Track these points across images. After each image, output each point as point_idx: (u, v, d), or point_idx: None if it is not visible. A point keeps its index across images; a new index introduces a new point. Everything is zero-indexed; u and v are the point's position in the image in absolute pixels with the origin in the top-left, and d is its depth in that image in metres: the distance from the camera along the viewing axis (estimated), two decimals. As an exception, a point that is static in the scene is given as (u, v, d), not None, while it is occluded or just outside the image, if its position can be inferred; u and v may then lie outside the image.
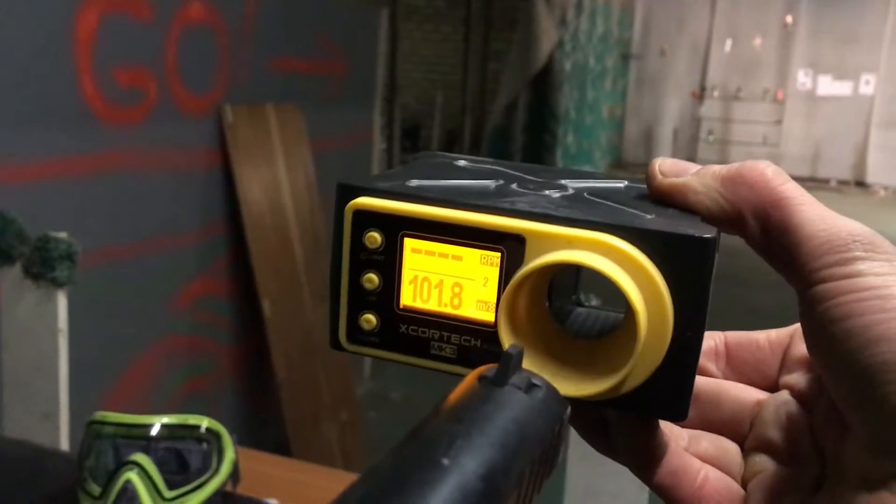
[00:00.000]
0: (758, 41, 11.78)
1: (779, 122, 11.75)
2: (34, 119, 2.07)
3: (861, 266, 0.31)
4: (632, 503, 0.99)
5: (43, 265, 1.21)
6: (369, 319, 0.38)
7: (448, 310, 0.36)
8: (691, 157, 12.04)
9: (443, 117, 9.45)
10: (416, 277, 0.36)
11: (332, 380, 3.34)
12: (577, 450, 1.02)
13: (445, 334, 0.37)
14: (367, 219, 0.36)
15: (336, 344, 0.40)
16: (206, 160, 2.82)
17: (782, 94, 11.76)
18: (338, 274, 0.38)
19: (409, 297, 0.37)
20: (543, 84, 8.58)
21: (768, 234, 0.34)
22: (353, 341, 0.39)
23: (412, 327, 0.37)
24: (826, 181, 11.38)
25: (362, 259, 0.37)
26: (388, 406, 4.11)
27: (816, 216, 0.33)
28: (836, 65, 11.40)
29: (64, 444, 1.29)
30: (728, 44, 11.98)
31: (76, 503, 0.98)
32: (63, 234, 1.23)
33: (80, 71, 2.19)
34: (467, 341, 0.36)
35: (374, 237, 0.36)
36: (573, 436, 1.01)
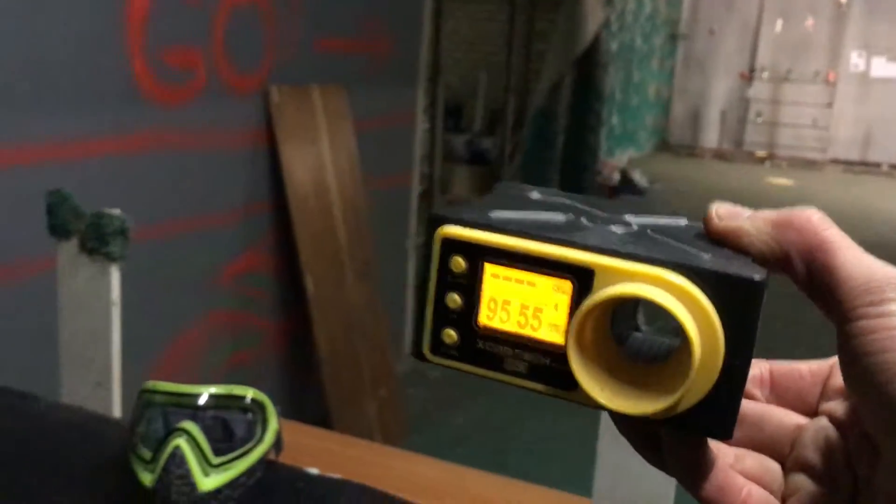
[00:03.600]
0: (810, 21, 11.52)
1: (829, 104, 11.50)
2: (88, 100, 2.13)
3: (893, 307, 0.34)
4: (660, 483, 1.01)
5: (97, 240, 1.26)
6: (450, 335, 0.42)
7: (522, 331, 0.40)
8: (738, 139, 11.87)
9: (486, 97, 9.43)
10: (494, 300, 0.40)
11: (373, 357, 3.39)
12: (610, 429, 1.04)
13: (519, 352, 0.41)
14: (453, 246, 0.40)
15: (419, 354, 0.44)
16: (252, 139, 2.87)
17: (834, 75, 11.49)
18: (425, 292, 0.42)
19: (487, 317, 0.41)
20: (588, 64, 8.50)
21: (812, 274, 0.37)
22: (436, 353, 0.43)
23: (489, 344, 0.42)
24: (877, 165, 11.13)
25: (448, 281, 0.41)
26: (426, 384, 4.16)
27: (856, 260, 0.36)
28: (890, 46, 11.10)
29: (116, 411, 1.35)
30: (779, 24, 11.74)
31: (128, 467, 1.03)
32: (116, 211, 1.28)
33: (132, 52, 2.25)
34: (538, 359, 0.41)
35: (459, 262, 0.40)
36: (606, 415, 1.04)
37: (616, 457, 1.03)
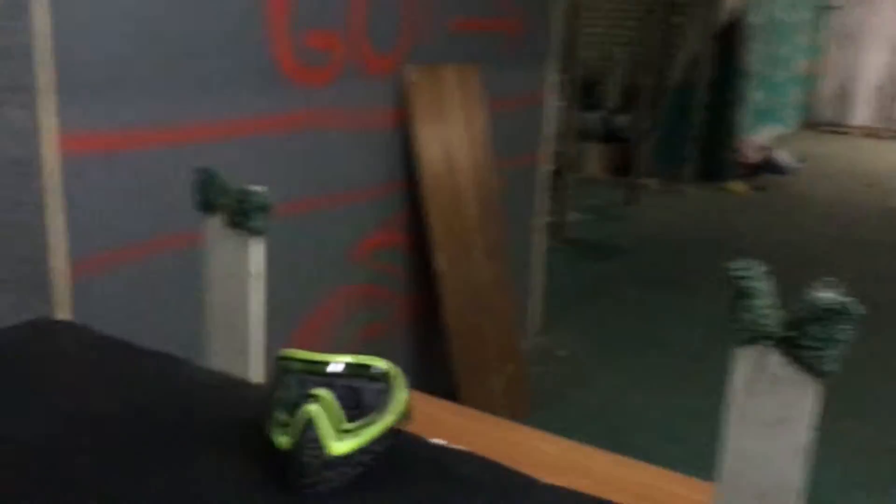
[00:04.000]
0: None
1: None
2: (233, 82, 2.25)
3: None
4: (787, 468, 0.99)
5: (241, 215, 1.35)
6: None
7: None
8: (891, 116, 11.10)
9: (623, 73, 9.22)
10: None
11: (500, 334, 3.42)
12: (737, 412, 1.02)
13: None
14: None
15: None
16: (388, 119, 2.94)
17: None
18: None
19: None
20: (729, 38, 8.16)
21: None
22: None
23: None
24: None
25: None
26: (553, 362, 4.16)
27: None
28: None
29: (256, 377, 1.43)
30: (943, -9, 10.87)
31: (267, 429, 1.10)
32: (258, 188, 1.35)
33: (275, 35, 2.35)
34: None
35: None
36: (733, 398, 1.02)
37: (742, 441, 1.01)
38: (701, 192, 8.70)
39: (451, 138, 3.17)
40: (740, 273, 0.98)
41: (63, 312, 1.71)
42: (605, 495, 1.10)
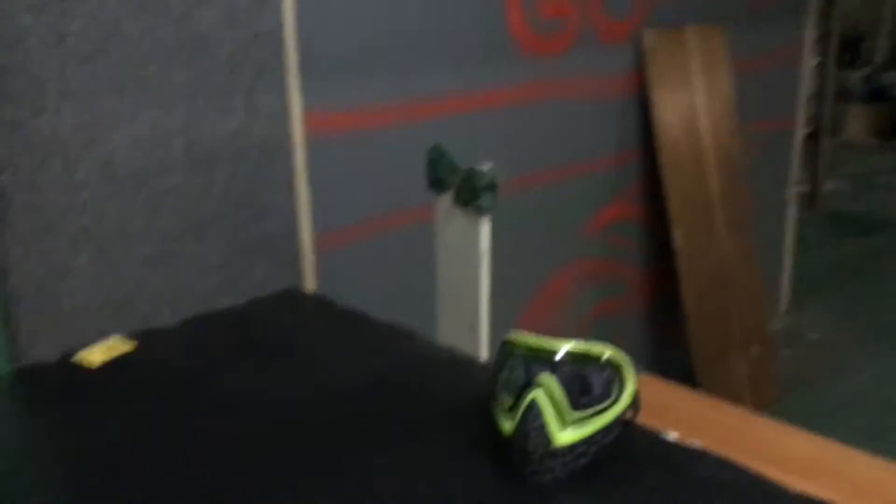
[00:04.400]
0: None
1: None
2: (469, 56, 2.25)
3: None
4: None
5: (470, 194, 1.34)
6: None
7: None
8: None
9: (891, 26, 8.28)
10: None
11: (744, 313, 3.21)
12: None
13: None
14: None
15: None
16: (623, 86, 2.83)
17: None
18: None
19: None
20: None
21: None
22: None
23: None
24: None
25: None
26: (804, 345, 3.84)
27: None
28: None
29: (484, 353, 1.43)
30: None
31: (490, 411, 1.09)
32: (487, 167, 1.34)
33: (508, 5, 2.32)
34: None
35: None
36: None
37: None
38: None
39: (691, 104, 2.99)
40: None
41: (308, 284, 1.81)
42: (865, 507, 0.97)
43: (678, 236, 2.92)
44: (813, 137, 5.77)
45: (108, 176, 1.46)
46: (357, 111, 1.96)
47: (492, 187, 1.33)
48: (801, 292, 4.23)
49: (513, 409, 1.03)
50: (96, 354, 1.42)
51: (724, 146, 3.12)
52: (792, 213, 3.98)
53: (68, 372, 1.38)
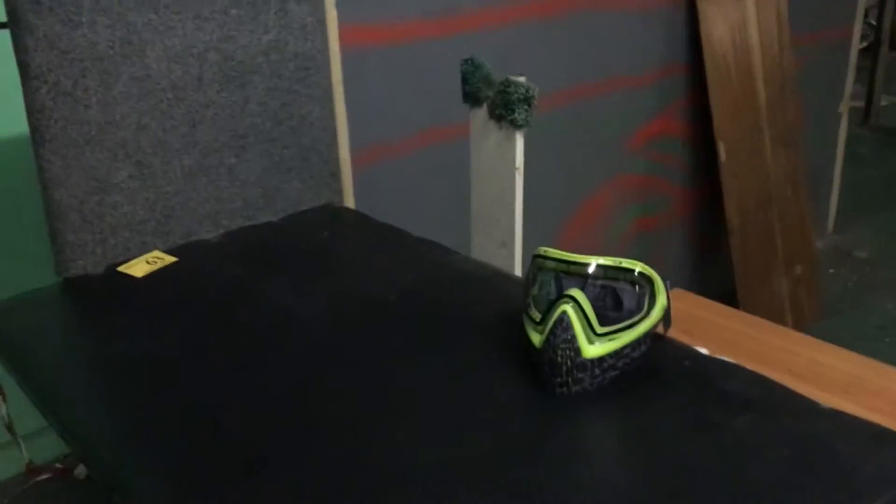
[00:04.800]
0: None
1: None
2: (507, -36, 2.18)
3: None
4: None
5: (504, 108, 1.32)
6: None
7: None
8: None
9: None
10: None
11: (789, 231, 3.15)
12: None
13: None
14: None
15: None
16: (668, -3, 2.73)
17: None
18: None
19: None
20: None
21: None
22: None
23: None
24: None
25: None
26: (850, 264, 3.78)
27: None
28: None
29: (517, 271, 1.44)
30: None
31: (521, 324, 1.10)
32: (522, 79, 1.31)
33: (550, -88, 2.24)
34: None
35: None
36: None
37: None
38: None
39: (740, 14, 2.88)
40: None
41: (346, 200, 1.82)
42: (900, 423, 0.97)
43: (722, 151, 2.86)
44: (870, 50, 5.54)
45: (145, 90, 1.47)
46: (392, 24, 1.93)
47: (527, 100, 1.30)
48: (850, 210, 4.13)
49: (542, 322, 1.04)
50: (140, 267, 1.46)
51: (774, 59, 3.01)
52: (844, 128, 3.85)
53: (114, 283, 1.42)
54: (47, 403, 1.13)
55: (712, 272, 3.08)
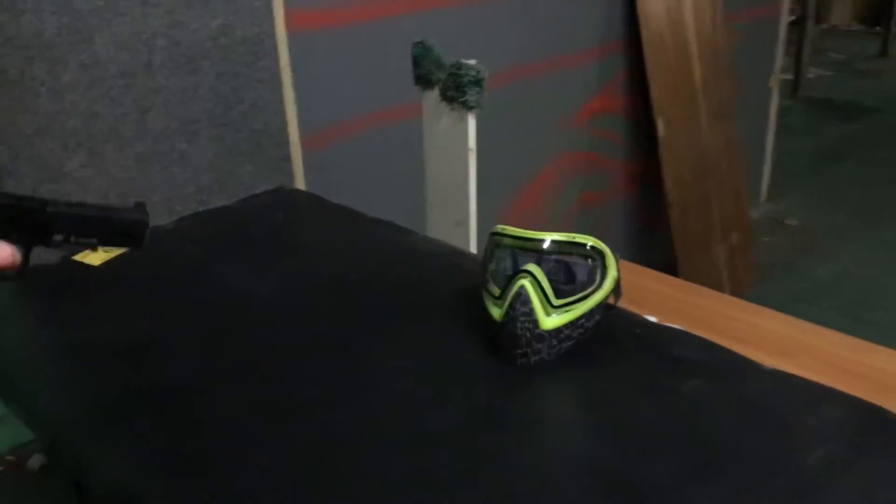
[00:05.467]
0: None
1: None
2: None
3: None
4: None
5: (456, 90, 1.35)
6: None
7: None
8: None
9: None
10: None
11: (725, 202, 3.27)
12: None
13: None
14: None
15: None
16: (606, -25, 2.79)
17: None
18: None
19: None
20: None
21: None
22: None
23: None
24: None
25: None
26: (783, 231, 3.93)
27: None
28: None
29: (473, 247, 1.48)
30: None
31: (480, 299, 1.14)
32: (473, 62, 1.35)
33: None
34: None
35: None
36: None
37: None
38: (973, 39, 7.58)
39: (676, -7, 2.96)
40: None
41: (297, 183, 1.83)
42: (837, 382, 1.04)
43: (661, 126, 2.94)
44: (797, 24, 5.71)
45: (95, 78, 1.46)
46: (339, 7, 1.94)
47: (478, 82, 1.34)
48: (782, 180, 4.29)
49: (502, 297, 1.09)
50: (96, 256, 1.46)
51: (708, 36, 3.10)
52: (775, 101, 3.99)
53: (71, 272, 1.41)
54: (12, 391, 1.14)
55: (653, 243, 3.18)
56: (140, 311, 1.28)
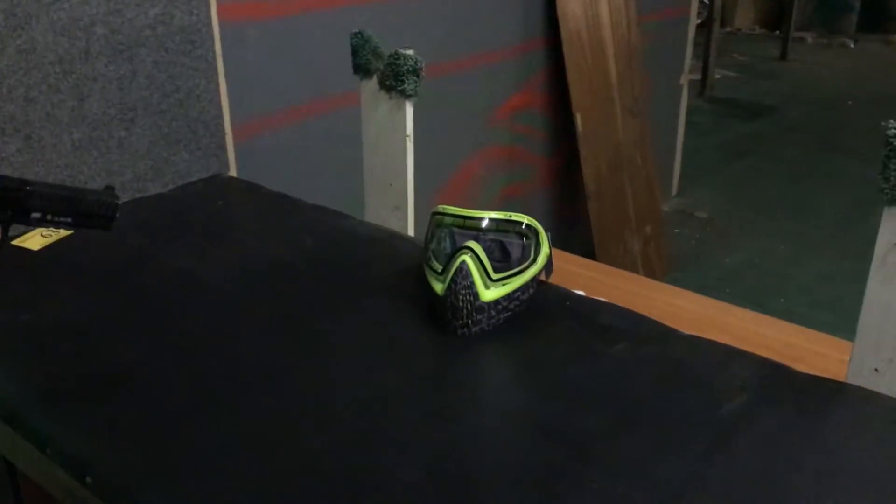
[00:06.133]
0: None
1: None
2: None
3: None
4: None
5: (394, 79, 1.41)
6: None
7: None
8: None
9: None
10: None
11: (639, 194, 3.42)
12: (882, 269, 1.03)
13: None
14: None
15: None
16: (527, -25, 2.89)
17: None
18: None
19: None
20: None
21: None
22: None
23: None
24: None
25: None
26: (692, 223, 4.13)
27: None
28: None
29: (410, 231, 1.54)
30: None
31: (422, 277, 1.21)
32: (410, 51, 1.41)
33: None
34: None
35: None
36: (880, 253, 1.03)
37: (884, 297, 1.03)
38: (864, 45, 8.05)
39: (593, -6, 3.09)
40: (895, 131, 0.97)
41: (233, 171, 1.86)
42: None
43: (579, 122, 3.07)
44: (703, 27, 5.98)
45: (32, 63, 1.47)
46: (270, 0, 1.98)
47: (415, 72, 1.41)
48: (691, 175, 4.50)
49: (444, 272, 1.16)
50: (35, 240, 1.47)
51: (622, 35, 3.25)
52: (685, 99, 4.19)
53: (9, 256, 1.42)
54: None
55: (572, 234, 3.31)
56: (82, 294, 1.30)
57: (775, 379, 1.06)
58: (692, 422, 0.97)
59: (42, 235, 1.49)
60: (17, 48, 1.44)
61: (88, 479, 0.91)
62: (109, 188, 0.98)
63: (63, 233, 1.50)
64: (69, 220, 0.94)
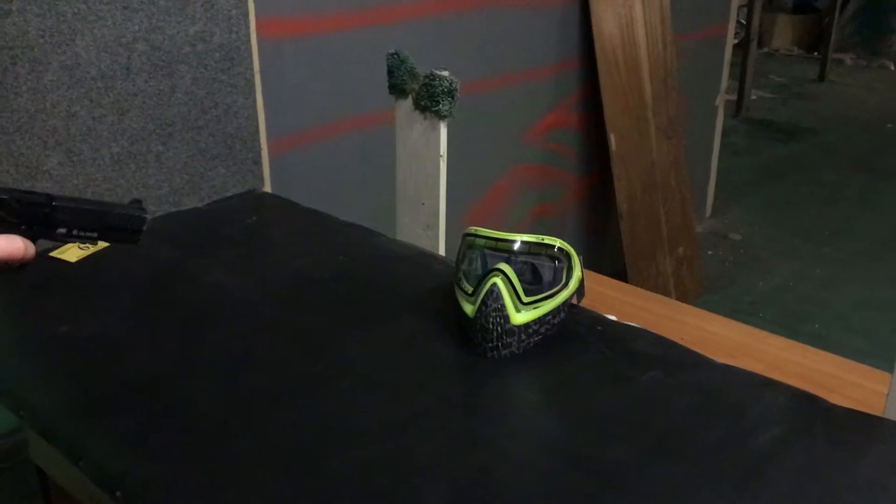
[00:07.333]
0: None
1: None
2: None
3: None
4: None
5: (429, 99, 1.42)
6: None
7: None
8: None
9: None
10: None
11: (672, 215, 3.40)
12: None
13: None
14: None
15: None
16: (563, -5, 2.90)
17: None
18: None
19: None
20: None
21: None
22: None
23: None
24: None
25: None
26: (726, 245, 4.09)
27: None
28: None
29: (441, 250, 1.55)
30: None
31: (452, 297, 1.21)
32: (445, 73, 1.42)
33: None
34: None
35: None
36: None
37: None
38: (905, 66, 7.94)
39: (628, 13, 3.08)
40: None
41: (268, 186, 1.88)
42: (778, 379, 1.13)
43: (613, 141, 3.06)
44: (740, 47, 5.93)
45: (75, 79, 1.50)
46: (311, 17, 2.01)
47: (450, 93, 1.41)
48: (726, 196, 4.45)
49: (474, 294, 1.16)
50: (72, 252, 1.49)
51: (658, 55, 3.24)
52: (720, 120, 4.16)
53: (48, 268, 1.44)
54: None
55: (603, 254, 3.29)
56: (118, 306, 1.32)
57: (809, 410, 1.04)
58: (724, 451, 0.96)
59: (79, 248, 1.51)
60: (60, 64, 1.48)
61: (118, 494, 0.92)
62: (136, 201, 0.98)
63: (100, 245, 1.52)
64: (95, 234, 0.94)
